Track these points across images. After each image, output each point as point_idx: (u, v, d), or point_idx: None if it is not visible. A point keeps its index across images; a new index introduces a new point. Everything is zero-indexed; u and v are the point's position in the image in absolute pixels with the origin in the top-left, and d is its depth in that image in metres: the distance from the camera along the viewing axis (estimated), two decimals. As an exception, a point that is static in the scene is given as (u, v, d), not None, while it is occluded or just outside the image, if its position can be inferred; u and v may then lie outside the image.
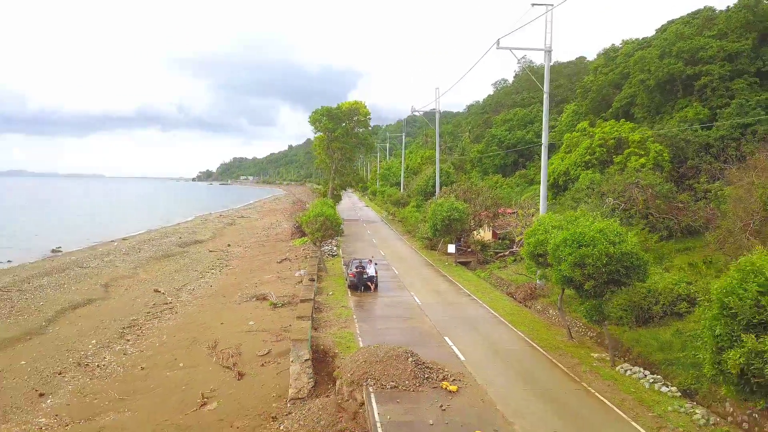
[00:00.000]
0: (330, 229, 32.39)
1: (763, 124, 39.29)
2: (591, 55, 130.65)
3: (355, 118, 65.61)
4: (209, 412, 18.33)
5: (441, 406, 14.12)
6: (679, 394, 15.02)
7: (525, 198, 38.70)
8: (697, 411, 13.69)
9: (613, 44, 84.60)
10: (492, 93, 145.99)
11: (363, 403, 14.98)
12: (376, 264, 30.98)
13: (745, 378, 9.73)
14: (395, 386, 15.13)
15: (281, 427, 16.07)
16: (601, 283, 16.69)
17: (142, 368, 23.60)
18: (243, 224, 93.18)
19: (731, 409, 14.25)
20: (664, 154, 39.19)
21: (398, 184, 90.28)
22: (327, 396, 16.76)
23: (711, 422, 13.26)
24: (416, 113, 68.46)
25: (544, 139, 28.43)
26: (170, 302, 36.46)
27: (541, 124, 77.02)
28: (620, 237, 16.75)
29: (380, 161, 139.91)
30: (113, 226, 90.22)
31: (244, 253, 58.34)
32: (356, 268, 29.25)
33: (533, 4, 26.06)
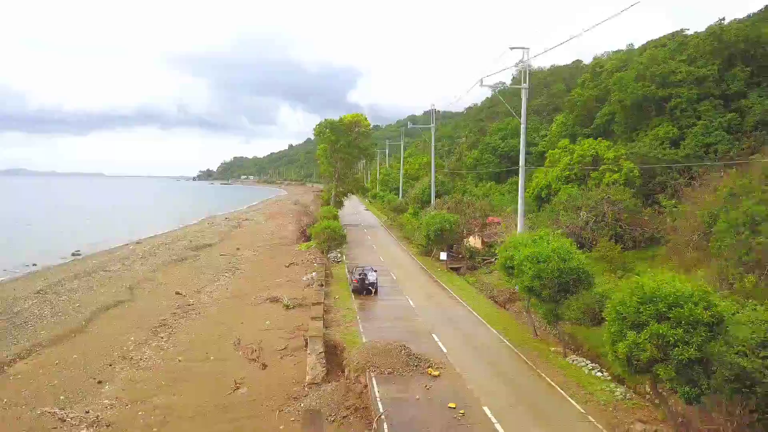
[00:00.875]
0: (335, 239, 36.82)
1: (724, 144, 43.75)
2: (588, 58, 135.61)
3: (357, 130, 69.99)
4: (242, 395, 22.74)
5: (426, 386, 18.56)
6: (609, 378, 19.43)
7: (509, 211, 43.09)
8: (617, 390, 18.13)
9: (603, 52, 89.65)
10: (490, 96, 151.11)
11: (366, 385, 19.39)
12: (375, 271, 35.35)
13: (630, 362, 14.14)
14: (391, 372, 19.57)
15: (302, 405, 20.46)
16: (555, 292, 21.15)
17: (180, 360, 27.96)
18: (249, 227, 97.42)
19: (648, 389, 18.64)
20: (635, 171, 43.59)
21: (397, 188, 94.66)
22: (337, 381, 21.19)
23: (627, 397, 17.68)
24: (413, 126, 72.81)
25: (522, 163, 32.76)
26: (192, 304, 40.80)
27: (533, 134, 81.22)
28: (570, 255, 21.19)
29: (380, 165, 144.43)
30: (125, 229, 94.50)
31: (253, 257, 62.58)
32: (359, 275, 33.68)
33: (511, 48, 30.46)
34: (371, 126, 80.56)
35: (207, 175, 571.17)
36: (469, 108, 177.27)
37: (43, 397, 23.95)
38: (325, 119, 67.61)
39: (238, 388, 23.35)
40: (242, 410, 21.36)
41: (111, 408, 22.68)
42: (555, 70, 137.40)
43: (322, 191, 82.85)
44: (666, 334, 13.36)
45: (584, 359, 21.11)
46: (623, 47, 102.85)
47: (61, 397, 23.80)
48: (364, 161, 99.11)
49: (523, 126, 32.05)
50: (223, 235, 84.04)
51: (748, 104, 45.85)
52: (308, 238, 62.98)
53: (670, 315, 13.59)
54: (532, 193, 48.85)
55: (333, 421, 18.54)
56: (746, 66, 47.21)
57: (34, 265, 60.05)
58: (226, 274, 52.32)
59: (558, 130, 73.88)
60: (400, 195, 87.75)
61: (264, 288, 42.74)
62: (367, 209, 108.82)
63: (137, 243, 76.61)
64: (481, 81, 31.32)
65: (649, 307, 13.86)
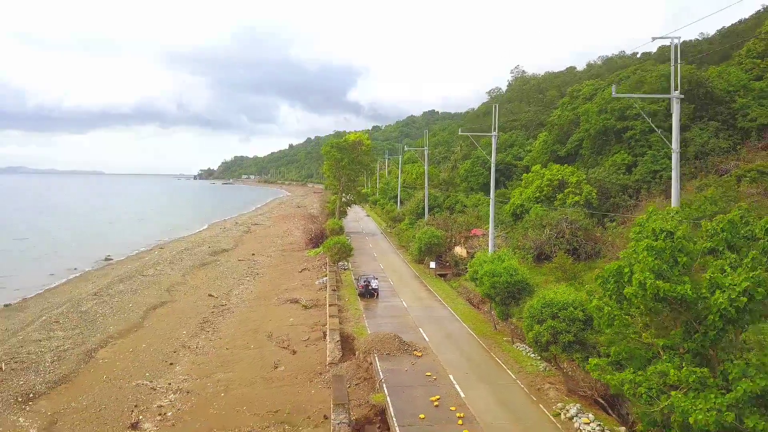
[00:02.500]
0: (344, 252, 45.44)
1: (668, 171, 52.28)
2: (581, 64, 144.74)
3: (359, 148, 78.68)
4: (281, 372, 31.28)
5: (412, 363, 27.17)
6: (539, 358, 27.94)
7: (487, 228, 51.63)
8: (541, 365, 26.69)
9: (598, 57, 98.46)
10: (487, 100, 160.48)
11: (371, 363, 27.98)
12: (376, 279, 43.90)
13: (536, 343, 22.73)
14: (388, 354, 28.16)
15: (325, 377, 29.04)
16: (505, 297, 29.75)
17: (227, 348, 36.46)
18: (258, 232, 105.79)
19: (565, 364, 27.21)
20: (593, 194, 52.18)
21: (395, 197, 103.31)
22: (350, 360, 29.77)
23: (547, 370, 26.23)
24: (410, 150, 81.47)
25: (492, 195, 41.24)
26: (225, 304, 49.31)
27: (519, 148, 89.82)
28: (516, 271, 29.78)
29: (380, 169, 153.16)
30: (143, 233, 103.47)
31: (268, 262, 70.99)
32: (364, 282, 42.31)
33: (477, 116, 38.90)
34: (371, 127, 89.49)
35: (208, 174, 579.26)
36: (468, 112, 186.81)
37: (132, 374, 32.36)
38: (331, 140, 76.49)
39: (276, 367, 31.91)
40: (283, 381, 29.90)
41: (186, 381, 31.16)
42: (548, 77, 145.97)
43: (327, 202, 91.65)
44: (556, 326, 21.95)
45: (525, 346, 29.59)
46: (617, 51, 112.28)
47: (147, 374, 32.27)
48: (365, 172, 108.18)
49: (493, 167, 40.49)
50: (236, 240, 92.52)
51: (690, 136, 54.43)
52: (316, 245, 71.38)
53: (559, 314, 22.19)
54: (509, 210, 57.45)
55: (349, 387, 27.09)
56: (690, 103, 55.77)
57: (75, 269, 68.48)
58: (248, 279, 60.74)
59: (540, 147, 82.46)
60: (398, 204, 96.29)
61: (283, 291, 51.22)
62: (368, 215, 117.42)
63: (161, 248, 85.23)
64: (460, 130, 39.69)
65: (547, 309, 22.46)
